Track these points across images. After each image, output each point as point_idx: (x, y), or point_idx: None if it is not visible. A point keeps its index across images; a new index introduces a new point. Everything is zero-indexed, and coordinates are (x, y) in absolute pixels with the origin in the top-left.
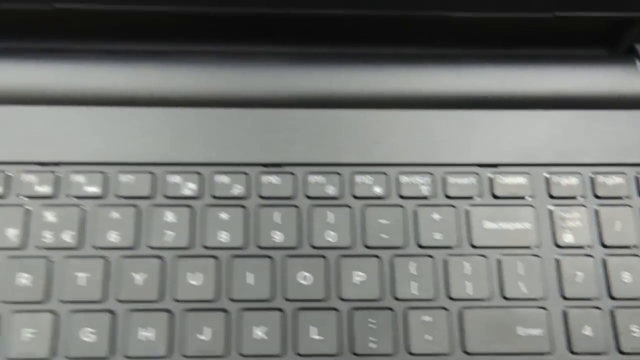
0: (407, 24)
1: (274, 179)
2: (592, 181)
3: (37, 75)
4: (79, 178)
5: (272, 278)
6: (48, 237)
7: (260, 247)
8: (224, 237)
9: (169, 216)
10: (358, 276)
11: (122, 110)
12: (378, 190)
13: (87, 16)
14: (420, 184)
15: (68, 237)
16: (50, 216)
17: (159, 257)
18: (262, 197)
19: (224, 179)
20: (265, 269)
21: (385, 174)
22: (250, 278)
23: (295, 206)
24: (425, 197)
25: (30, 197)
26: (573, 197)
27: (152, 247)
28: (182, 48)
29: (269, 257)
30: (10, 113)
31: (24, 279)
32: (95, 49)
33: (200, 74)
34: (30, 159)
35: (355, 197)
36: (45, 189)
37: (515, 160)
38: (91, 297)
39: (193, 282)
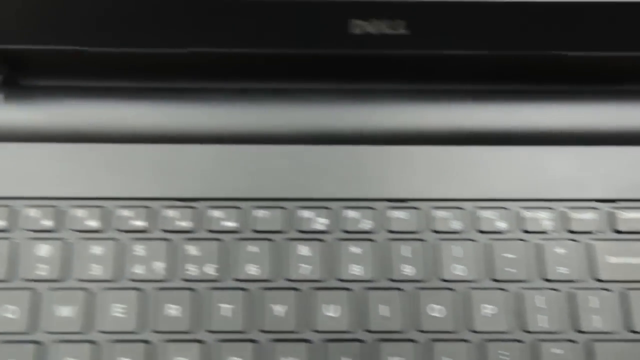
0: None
1: (400, 214)
2: None
3: (187, 115)
4: (218, 213)
5: (403, 309)
6: (192, 269)
7: (392, 280)
8: (356, 270)
9: (303, 250)
10: (487, 309)
11: (251, 148)
12: (502, 225)
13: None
14: (543, 218)
15: (211, 269)
16: (193, 249)
17: (295, 289)
18: (390, 232)
19: (353, 214)
20: (396, 300)
21: (507, 209)
22: (384, 310)
23: (422, 240)
24: (547, 232)
25: (173, 232)
26: None
27: (289, 280)
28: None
29: (400, 289)
30: (156, 151)
31: (172, 309)
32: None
33: (329, 112)
34: (172, 194)
35: (480, 232)
36: (186, 224)
37: (635, 196)
38: (236, 328)
39: (331, 314)
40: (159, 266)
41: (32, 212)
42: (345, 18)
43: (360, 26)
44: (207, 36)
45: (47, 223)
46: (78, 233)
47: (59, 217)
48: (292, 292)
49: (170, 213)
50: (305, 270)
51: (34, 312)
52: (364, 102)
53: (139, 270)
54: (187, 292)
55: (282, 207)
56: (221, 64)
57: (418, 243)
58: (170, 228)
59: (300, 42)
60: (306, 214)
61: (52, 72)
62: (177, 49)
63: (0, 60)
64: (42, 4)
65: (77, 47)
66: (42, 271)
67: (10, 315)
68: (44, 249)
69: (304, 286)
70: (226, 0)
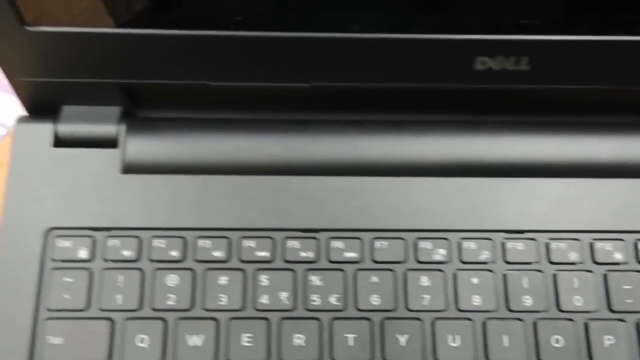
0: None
1: (518, 245)
2: None
3: (307, 146)
4: (339, 244)
5: (524, 340)
6: (316, 299)
7: (510, 310)
8: (476, 300)
9: (424, 280)
10: (608, 340)
11: (368, 180)
12: (618, 256)
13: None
14: None
15: (334, 299)
16: (316, 280)
17: (418, 319)
18: (507, 262)
19: (471, 244)
20: (517, 331)
21: (622, 240)
22: (506, 341)
23: (540, 271)
24: None
25: (295, 262)
26: None
27: (410, 310)
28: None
29: (520, 319)
30: (276, 182)
31: (298, 339)
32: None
33: (448, 142)
34: (293, 225)
35: (596, 263)
36: (308, 254)
37: None
38: (361, 357)
39: (453, 344)
40: (284, 296)
41: (159, 243)
42: (472, 55)
43: (484, 62)
44: (333, 72)
45: (174, 253)
46: (203, 264)
47: (185, 247)
48: (415, 322)
49: (293, 244)
50: (425, 300)
51: (164, 341)
52: (479, 134)
53: (264, 300)
54: (312, 322)
55: (401, 238)
56: (345, 97)
57: (536, 274)
58: (293, 259)
59: (427, 77)
60: (425, 244)
61: (168, 104)
62: (300, 83)
63: (121, 93)
64: (166, 42)
65: (200, 82)
66: (171, 301)
67: (142, 345)
68: (171, 279)
69: (425, 316)
70: (355, 38)
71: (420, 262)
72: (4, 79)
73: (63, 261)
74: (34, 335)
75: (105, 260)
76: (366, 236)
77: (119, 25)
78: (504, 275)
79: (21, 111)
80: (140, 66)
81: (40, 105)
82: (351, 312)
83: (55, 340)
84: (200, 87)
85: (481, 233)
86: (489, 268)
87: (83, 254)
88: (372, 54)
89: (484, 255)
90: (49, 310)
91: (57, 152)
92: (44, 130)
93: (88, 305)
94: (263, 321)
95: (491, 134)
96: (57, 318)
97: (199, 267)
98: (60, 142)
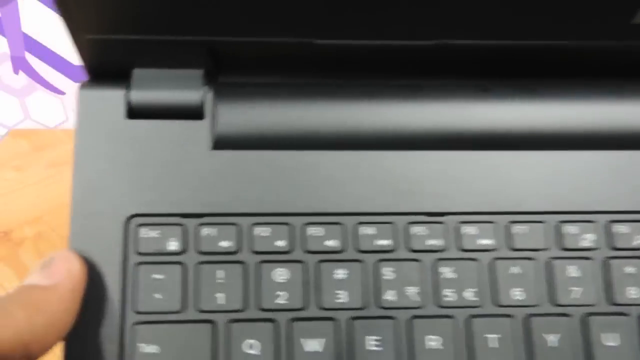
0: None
1: None
2: None
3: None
4: (471, 229)
5: None
6: (449, 294)
7: None
8: (632, 293)
9: (572, 270)
10: None
11: (501, 155)
12: None
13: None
14: None
15: (470, 294)
16: (448, 272)
17: (565, 314)
18: None
19: (623, 228)
20: None
21: None
22: None
23: None
24: None
25: (422, 251)
26: None
27: (559, 305)
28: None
29: None
30: (396, 159)
31: (433, 341)
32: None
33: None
34: (417, 209)
35: None
36: (436, 242)
37: None
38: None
39: (611, 344)
40: (412, 291)
41: (262, 231)
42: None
43: None
44: (469, 26)
45: (281, 243)
46: (315, 255)
47: (293, 236)
48: (564, 318)
49: (417, 230)
50: (575, 293)
51: (277, 346)
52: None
53: (389, 296)
54: (446, 321)
55: (540, 221)
56: (478, 58)
57: None
58: (419, 247)
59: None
60: (571, 229)
61: (254, 68)
62: (424, 41)
63: (206, 54)
64: None
65: (306, 39)
66: (281, 299)
67: (251, 351)
68: (280, 273)
69: (575, 312)
70: None
71: (566, 250)
72: (5, 77)
73: (150, 254)
74: (122, 344)
75: (200, 252)
76: (501, 219)
77: None
78: None
79: (34, 119)
80: (234, 20)
81: (106, 69)
82: (489, 308)
83: (149, 348)
84: (303, 46)
85: (631, 215)
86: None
87: (173, 245)
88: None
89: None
90: (138, 313)
91: (131, 124)
92: (115, 98)
93: (184, 306)
94: (389, 320)
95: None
96: (148, 322)
97: (310, 259)
98: (134, 112)
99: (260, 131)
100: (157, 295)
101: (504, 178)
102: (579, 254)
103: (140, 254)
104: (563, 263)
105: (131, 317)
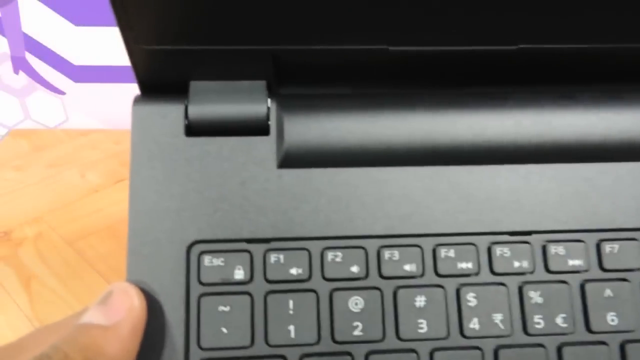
0: None
1: None
2: None
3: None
4: (559, 249)
5: None
6: (538, 321)
7: None
8: None
9: None
10: None
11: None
12: None
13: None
14: None
15: (560, 320)
16: (536, 296)
17: None
18: None
19: None
20: None
21: None
22: None
23: None
24: None
25: (506, 274)
26: None
27: None
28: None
29: None
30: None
31: None
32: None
33: None
34: (500, 228)
35: None
36: (522, 264)
37: None
38: None
39: None
40: (498, 318)
41: (334, 256)
42: None
43: None
44: (548, 30)
45: (355, 269)
46: (392, 280)
47: (367, 261)
48: None
49: (501, 251)
50: None
51: None
52: None
53: (473, 324)
54: (536, 350)
55: (634, 239)
56: (556, 63)
57: None
58: (503, 270)
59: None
60: None
61: (318, 78)
62: (504, 46)
63: (269, 63)
64: None
65: (379, 46)
66: (358, 330)
67: None
68: (355, 302)
69: None
70: None
71: None
72: (5, 77)
73: (214, 284)
74: None
75: (269, 281)
76: (590, 238)
77: None
78: None
79: (35, 119)
80: (301, 26)
81: (162, 82)
82: (582, 335)
83: None
84: (376, 53)
85: None
86: None
87: (239, 274)
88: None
89: None
90: (203, 349)
91: (191, 142)
92: (173, 113)
93: (253, 340)
94: (475, 351)
95: None
96: (214, 359)
97: (386, 286)
98: (194, 129)
99: (331, 147)
100: (224, 329)
101: (594, 192)
102: None
103: (204, 284)
104: None
105: (196, 354)
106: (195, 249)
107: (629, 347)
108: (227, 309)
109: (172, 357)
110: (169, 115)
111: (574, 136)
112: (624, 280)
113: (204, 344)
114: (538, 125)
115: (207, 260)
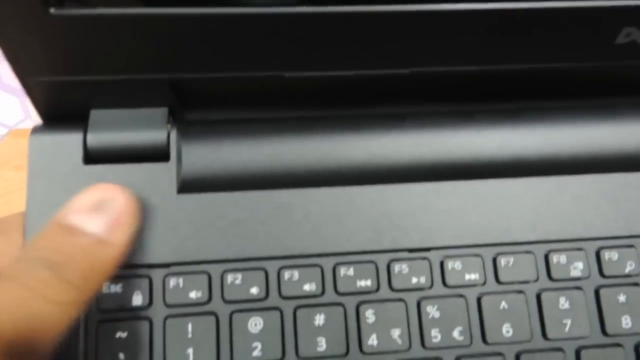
0: None
1: None
2: None
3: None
4: (456, 264)
5: None
6: (435, 335)
7: None
8: (627, 322)
9: (562, 302)
10: None
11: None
12: None
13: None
14: None
15: (456, 333)
16: (433, 311)
17: (559, 349)
18: None
19: (612, 254)
20: None
21: None
22: None
23: None
24: None
25: (405, 290)
26: None
27: (548, 339)
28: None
29: None
30: (371, 193)
31: None
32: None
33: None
34: (399, 246)
35: None
36: (420, 279)
37: None
38: None
39: None
40: (396, 334)
41: (233, 278)
42: (619, 26)
43: (629, 34)
44: (441, 54)
45: (254, 291)
46: (292, 300)
47: (267, 282)
48: (555, 354)
49: (400, 268)
50: (566, 327)
51: None
52: None
53: (371, 341)
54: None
55: (529, 252)
56: (450, 84)
57: None
58: (401, 287)
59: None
60: (558, 257)
61: (218, 103)
62: (399, 69)
63: (169, 91)
64: (235, 22)
65: (275, 73)
66: (257, 350)
67: None
68: (254, 323)
69: (567, 346)
70: (486, 10)
71: (554, 280)
72: (5, 77)
73: (113, 311)
74: None
75: (168, 305)
76: (486, 252)
77: (172, 3)
78: None
79: (35, 119)
80: (198, 55)
81: (61, 111)
82: (478, 346)
83: None
84: (272, 79)
85: (625, 240)
86: (635, 282)
87: (138, 299)
88: (506, 28)
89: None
90: None
91: (89, 170)
92: (71, 142)
93: None
94: None
95: None
96: None
97: (286, 306)
98: (92, 157)
99: (230, 171)
100: (121, 356)
101: (490, 208)
102: (569, 284)
103: (102, 310)
104: (553, 295)
105: None
106: None
107: (524, 357)
108: (124, 335)
109: None
110: (67, 144)
111: (469, 154)
112: (519, 292)
113: None
114: (435, 145)
115: (104, 286)
